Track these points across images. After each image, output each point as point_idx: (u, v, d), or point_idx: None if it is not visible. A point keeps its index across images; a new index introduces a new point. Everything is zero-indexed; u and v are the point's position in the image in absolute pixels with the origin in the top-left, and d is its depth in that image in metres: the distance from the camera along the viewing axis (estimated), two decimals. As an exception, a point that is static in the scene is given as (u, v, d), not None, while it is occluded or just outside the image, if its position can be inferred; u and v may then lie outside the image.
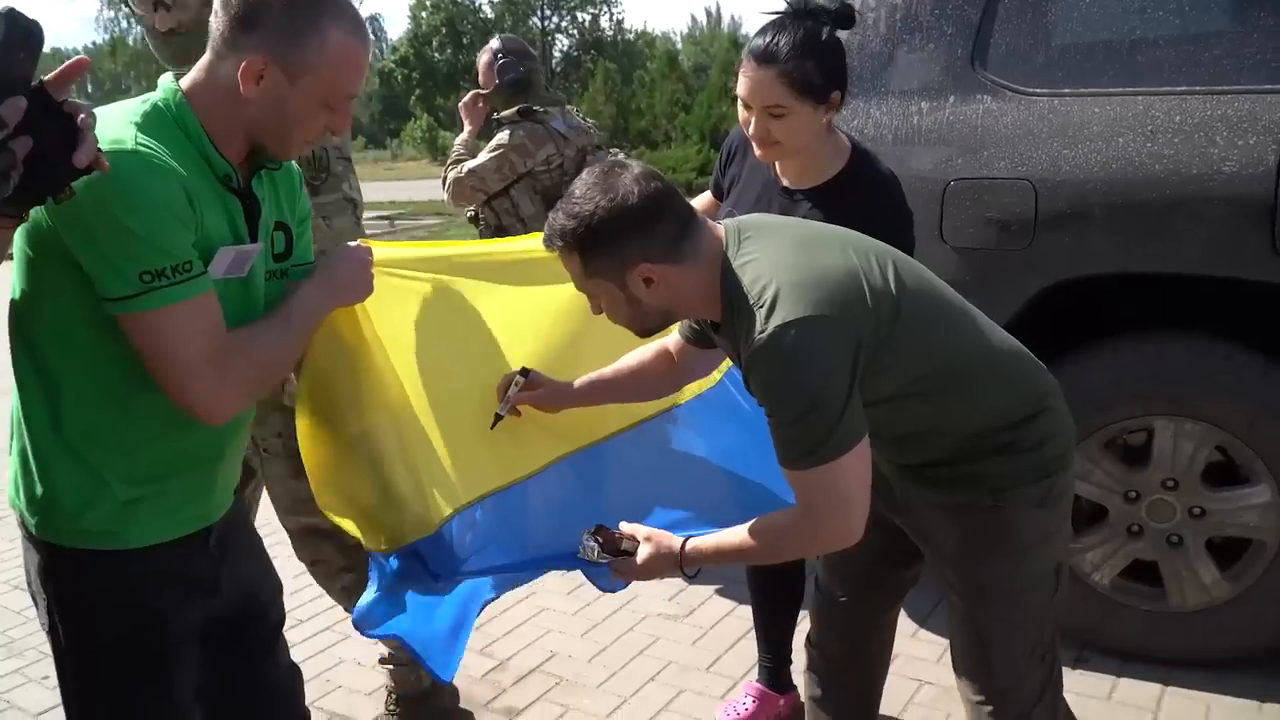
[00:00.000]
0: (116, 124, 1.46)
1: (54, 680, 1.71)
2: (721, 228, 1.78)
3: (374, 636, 1.92)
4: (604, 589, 2.17)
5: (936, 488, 1.90)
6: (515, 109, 3.81)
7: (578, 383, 2.16)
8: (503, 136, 3.78)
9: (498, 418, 2.13)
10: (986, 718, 1.98)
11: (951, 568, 1.95)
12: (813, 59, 2.12)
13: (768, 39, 2.13)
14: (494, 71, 3.86)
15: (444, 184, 3.90)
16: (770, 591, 2.80)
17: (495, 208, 3.85)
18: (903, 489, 1.97)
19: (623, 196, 1.67)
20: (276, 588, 1.99)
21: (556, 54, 55.24)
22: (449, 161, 3.94)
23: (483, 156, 3.79)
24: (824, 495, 1.67)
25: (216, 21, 1.54)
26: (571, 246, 1.71)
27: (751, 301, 1.65)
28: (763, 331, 1.61)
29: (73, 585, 1.62)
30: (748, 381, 1.72)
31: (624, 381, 2.16)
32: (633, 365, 2.16)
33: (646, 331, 1.86)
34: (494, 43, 3.99)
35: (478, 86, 3.99)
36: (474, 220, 4.00)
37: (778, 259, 1.69)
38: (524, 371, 2.13)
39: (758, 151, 2.27)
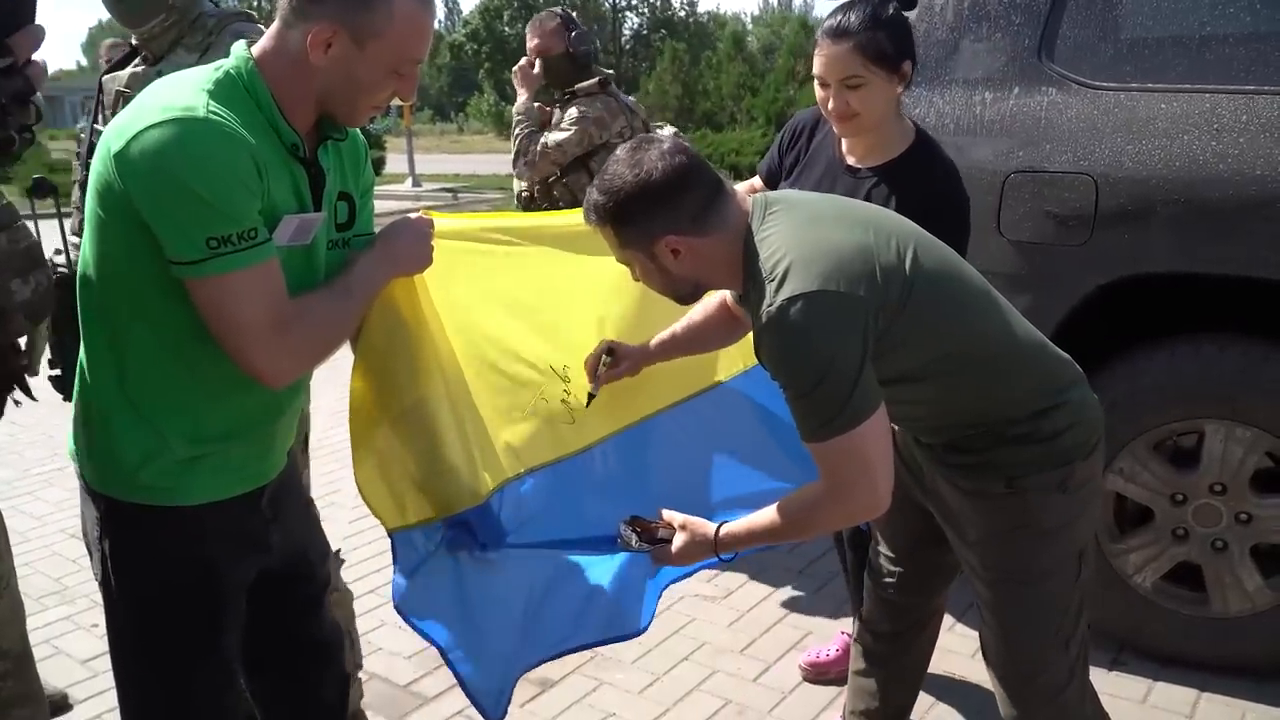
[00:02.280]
0: (188, 91, 1.50)
1: (103, 629, 1.76)
2: (750, 201, 1.83)
3: (412, 626, 1.94)
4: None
5: (955, 471, 1.92)
6: (595, 81, 3.78)
7: (653, 343, 2.26)
8: (582, 109, 3.73)
9: (591, 397, 2.21)
10: (1012, 704, 2.00)
11: (973, 552, 1.97)
12: (883, 30, 2.24)
13: (839, 18, 2.26)
14: (567, 40, 3.78)
15: (518, 156, 3.80)
16: (857, 541, 2.76)
17: (570, 185, 3.78)
18: (930, 473, 1.99)
19: (646, 172, 1.73)
20: (324, 549, 2.04)
21: (626, 32, 54.86)
22: (519, 134, 3.81)
23: (563, 133, 3.72)
24: (846, 465, 1.69)
25: None
26: (604, 221, 1.80)
27: (764, 275, 1.69)
28: (770, 305, 1.65)
29: (128, 538, 1.67)
30: (759, 354, 1.75)
31: (693, 336, 2.27)
32: (699, 319, 2.25)
33: (680, 299, 1.94)
34: (559, 11, 3.89)
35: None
36: (530, 199, 3.90)
37: (792, 234, 1.73)
38: (609, 350, 2.21)
39: (837, 128, 2.36)
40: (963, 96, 3.01)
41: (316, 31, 1.52)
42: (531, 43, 3.84)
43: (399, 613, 1.90)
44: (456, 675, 1.99)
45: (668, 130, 3.92)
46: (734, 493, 2.36)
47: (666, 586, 2.37)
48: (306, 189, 1.63)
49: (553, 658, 2.24)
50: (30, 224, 1.59)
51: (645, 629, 2.32)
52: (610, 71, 3.98)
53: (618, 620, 2.28)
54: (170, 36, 2.45)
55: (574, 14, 3.98)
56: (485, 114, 47.06)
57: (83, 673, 3.14)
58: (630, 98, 4.02)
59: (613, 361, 2.22)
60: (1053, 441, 1.83)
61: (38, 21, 1.47)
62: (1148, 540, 2.95)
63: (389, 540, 1.91)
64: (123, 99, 2.47)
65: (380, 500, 1.89)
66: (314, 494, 2.37)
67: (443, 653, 1.97)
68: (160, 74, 2.42)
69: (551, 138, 3.73)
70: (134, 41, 2.54)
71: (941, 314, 1.77)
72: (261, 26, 2.51)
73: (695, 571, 2.38)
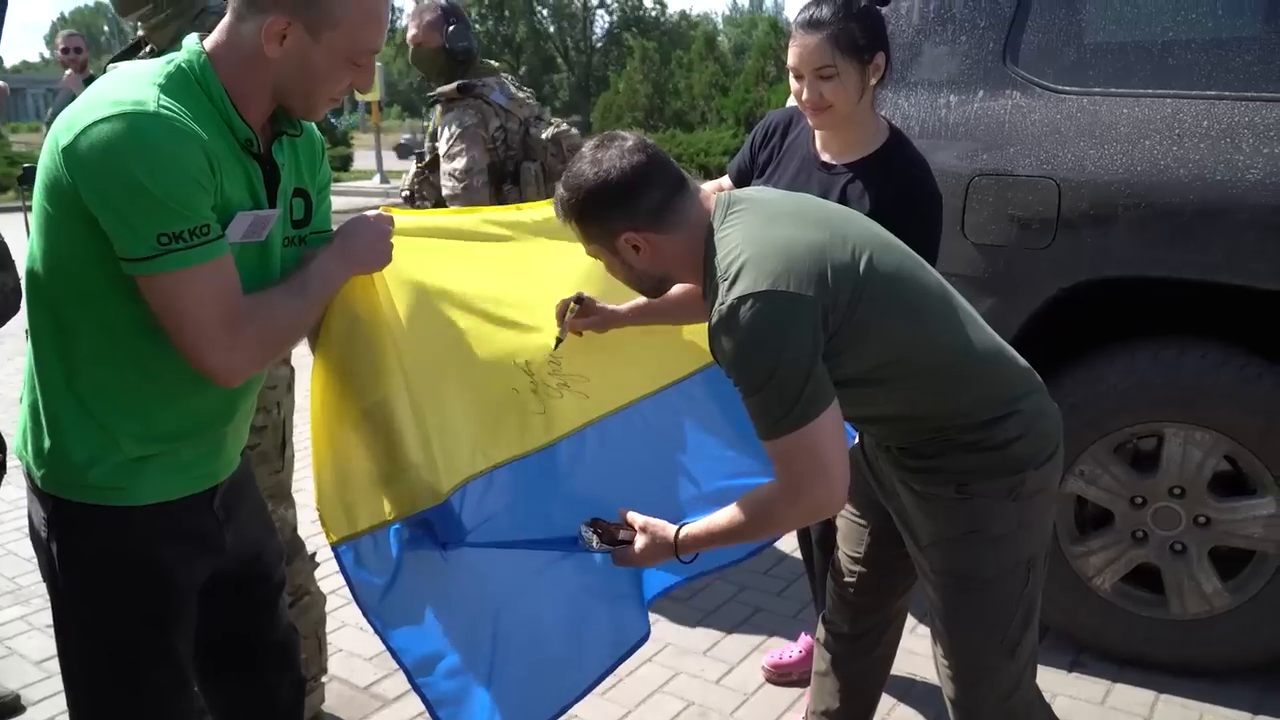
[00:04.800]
0: (139, 84, 1.47)
1: (57, 629, 1.73)
2: (713, 199, 1.85)
3: (373, 627, 1.91)
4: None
5: (909, 474, 1.93)
6: (455, 85, 3.56)
7: (625, 306, 2.27)
8: (454, 126, 3.51)
9: (558, 341, 2.22)
10: (959, 711, 2.00)
11: (925, 556, 1.97)
12: (856, 21, 2.29)
13: (813, 10, 2.31)
14: (443, 34, 3.59)
15: (451, 192, 3.52)
16: (824, 544, 2.75)
17: (435, 182, 3.59)
18: (889, 475, 2.00)
19: (605, 170, 1.78)
20: (278, 550, 2.01)
21: (597, 30, 54.63)
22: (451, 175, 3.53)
23: (458, 160, 3.48)
24: (801, 462, 1.70)
25: None
26: (568, 216, 1.86)
27: (719, 274, 1.72)
28: (722, 304, 1.68)
29: (77, 539, 1.64)
30: (714, 352, 1.76)
31: (667, 305, 2.25)
32: (676, 290, 2.20)
33: (646, 292, 1.99)
34: (441, 1, 3.65)
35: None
36: (409, 197, 3.75)
37: (749, 233, 1.75)
38: (579, 298, 2.22)
39: (811, 119, 2.39)
40: (927, 99, 3.01)
41: (271, 23, 1.50)
42: (410, 32, 3.67)
43: (377, 632, 1.87)
44: (423, 699, 1.95)
45: (551, 132, 3.69)
46: (705, 489, 2.35)
47: (657, 595, 2.36)
48: (261, 185, 1.61)
49: (575, 699, 2.20)
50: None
51: (648, 634, 2.31)
52: (494, 64, 3.74)
53: (623, 634, 2.28)
54: (171, 30, 2.36)
55: (451, 2, 3.70)
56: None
57: (36, 674, 3.09)
58: (525, 91, 3.77)
59: (581, 310, 2.21)
60: (1004, 450, 1.83)
61: None
62: (1107, 542, 2.97)
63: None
64: None
65: (332, 508, 1.83)
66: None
67: (409, 675, 1.93)
68: None
69: (454, 167, 3.50)
70: (139, 32, 2.48)
71: (893, 318, 1.77)
72: None
73: (682, 582, 2.38)
